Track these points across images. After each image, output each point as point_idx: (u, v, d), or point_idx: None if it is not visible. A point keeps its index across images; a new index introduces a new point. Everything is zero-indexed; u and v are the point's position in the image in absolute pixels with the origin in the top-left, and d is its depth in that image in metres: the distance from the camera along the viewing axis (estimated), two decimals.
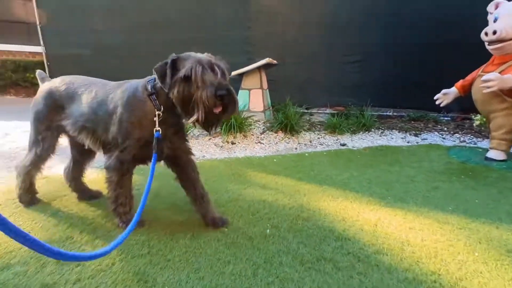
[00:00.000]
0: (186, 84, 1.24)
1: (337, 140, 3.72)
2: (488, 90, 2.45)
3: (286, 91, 4.80)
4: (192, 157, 1.63)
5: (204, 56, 1.32)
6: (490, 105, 2.83)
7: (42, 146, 1.70)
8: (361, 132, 4.04)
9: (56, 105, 1.68)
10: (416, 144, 3.67)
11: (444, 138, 3.90)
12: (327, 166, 2.75)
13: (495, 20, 2.74)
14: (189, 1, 5.15)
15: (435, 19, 4.58)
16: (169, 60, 1.29)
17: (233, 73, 4.08)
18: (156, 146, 1.38)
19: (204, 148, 3.26)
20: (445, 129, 4.28)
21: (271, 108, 4.52)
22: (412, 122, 4.56)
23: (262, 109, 4.25)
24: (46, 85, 1.75)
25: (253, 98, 4.27)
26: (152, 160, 1.39)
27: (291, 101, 4.29)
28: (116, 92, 1.51)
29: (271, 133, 3.70)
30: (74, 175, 1.94)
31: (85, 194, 1.97)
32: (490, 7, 2.86)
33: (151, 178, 1.35)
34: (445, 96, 3.21)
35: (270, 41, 4.96)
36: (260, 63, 4.03)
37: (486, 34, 2.67)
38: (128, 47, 5.37)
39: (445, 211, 1.89)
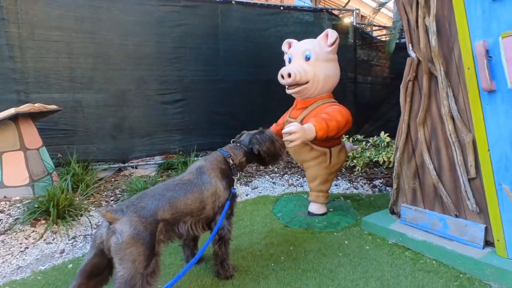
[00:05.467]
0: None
1: None
2: (292, 145, 2.02)
3: (88, 142, 3.52)
4: None
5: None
6: (300, 155, 2.48)
7: None
8: None
9: None
10: (245, 197, 3.09)
11: (274, 183, 3.52)
12: None
13: (290, 61, 2.44)
14: None
15: (257, 55, 4.45)
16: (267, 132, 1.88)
17: None
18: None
19: None
20: (276, 170, 4.00)
21: (52, 174, 3.03)
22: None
23: (27, 181, 2.73)
24: None
25: (6, 166, 2.70)
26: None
27: (99, 156, 3.06)
28: None
29: (26, 226, 2.25)
30: None
31: None
32: (284, 47, 2.58)
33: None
34: None
35: (53, 76, 3.52)
36: (7, 113, 2.56)
37: (282, 76, 2.30)
38: None
39: None
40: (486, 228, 1.70)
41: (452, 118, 1.79)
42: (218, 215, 1.60)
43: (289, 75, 2.24)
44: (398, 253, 1.93)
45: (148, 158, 4.26)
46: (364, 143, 4.11)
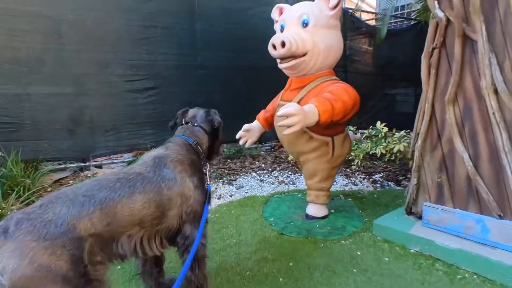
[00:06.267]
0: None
1: None
2: (290, 131, 1.55)
3: (37, 138, 2.93)
4: None
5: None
6: (296, 146, 2.03)
7: None
8: None
9: None
10: (230, 198, 2.60)
11: (262, 181, 3.06)
12: None
13: (282, 29, 1.97)
14: None
15: (241, 39, 3.95)
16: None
17: None
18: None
19: None
20: (263, 165, 3.54)
21: None
22: (228, 161, 3.61)
23: None
24: None
25: None
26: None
27: (52, 154, 2.56)
28: None
29: None
30: None
31: None
32: (274, 14, 2.10)
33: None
34: (249, 133, 2.26)
35: None
36: None
37: (274, 47, 1.82)
38: None
39: None
40: None
41: (496, 91, 1.39)
42: (188, 225, 1.12)
43: (283, 44, 1.76)
44: (427, 265, 1.52)
45: (116, 156, 3.67)
46: (359, 134, 3.73)
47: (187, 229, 1.12)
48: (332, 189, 2.85)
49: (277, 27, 2.05)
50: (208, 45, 3.87)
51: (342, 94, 1.75)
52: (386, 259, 1.61)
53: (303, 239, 1.85)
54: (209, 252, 1.58)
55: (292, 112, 1.53)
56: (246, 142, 2.26)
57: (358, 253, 1.68)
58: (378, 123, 3.42)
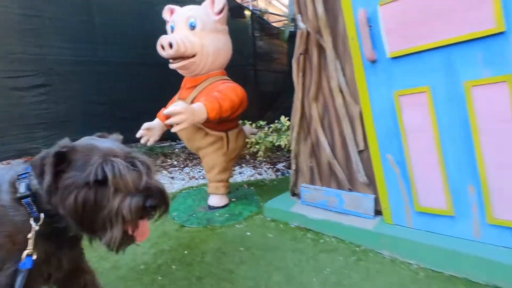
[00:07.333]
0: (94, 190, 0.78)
1: None
2: (178, 128, 1.66)
3: None
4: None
5: (117, 146, 0.86)
6: (194, 141, 2.15)
7: None
8: None
9: None
10: None
11: (172, 179, 3.10)
12: None
13: (172, 30, 2.05)
14: None
15: (150, 33, 3.82)
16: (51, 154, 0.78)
17: None
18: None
19: None
20: (175, 163, 3.57)
21: None
22: None
23: None
24: None
25: None
26: None
27: None
28: None
29: None
30: None
31: None
32: (165, 14, 2.16)
33: None
34: (150, 132, 2.28)
35: None
36: None
37: (162, 47, 1.89)
38: None
39: None
40: (375, 199, 1.73)
41: (341, 91, 1.75)
42: None
43: (170, 45, 1.85)
44: (300, 236, 1.83)
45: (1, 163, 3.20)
46: (266, 128, 4.07)
47: None
48: (238, 179, 3.11)
49: (167, 27, 2.12)
50: (111, 40, 3.66)
51: (230, 93, 1.94)
52: (271, 235, 1.87)
53: (202, 228, 1.99)
54: (104, 253, 1.59)
55: (178, 110, 1.63)
56: (148, 140, 2.28)
57: (248, 233, 1.90)
58: (282, 117, 3.80)
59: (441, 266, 1.41)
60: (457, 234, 1.46)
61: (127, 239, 0.83)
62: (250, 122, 4.05)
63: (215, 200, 2.27)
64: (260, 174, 3.29)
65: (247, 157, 3.79)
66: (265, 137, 3.64)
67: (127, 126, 3.51)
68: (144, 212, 0.80)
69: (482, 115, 1.31)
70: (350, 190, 1.83)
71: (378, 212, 1.74)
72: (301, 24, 1.86)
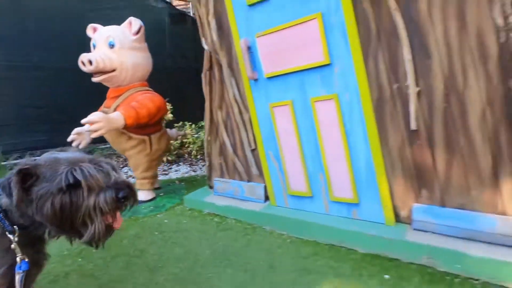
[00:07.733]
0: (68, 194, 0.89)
1: None
2: (95, 135, 1.96)
3: None
4: None
5: (79, 155, 1.00)
6: (119, 144, 2.45)
7: None
8: None
9: None
10: None
11: None
12: None
13: (94, 47, 2.32)
14: None
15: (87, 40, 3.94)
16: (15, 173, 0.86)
17: None
18: None
19: None
20: (115, 162, 3.78)
21: None
22: None
23: None
24: None
25: None
26: None
27: None
28: None
29: None
30: None
31: None
32: (88, 31, 2.42)
33: None
34: (81, 136, 2.51)
35: None
36: None
37: (83, 63, 2.17)
38: None
39: None
40: (265, 187, 2.19)
41: (236, 101, 2.17)
42: None
43: (90, 62, 2.13)
44: (208, 220, 2.24)
45: None
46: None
47: None
48: (173, 176, 3.44)
49: (91, 44, 2.38)
50: (46, 45, 3.75)
51: (147, 103, 2.27)
52: (185, 221, 2.25)
53: (126, 219, 2.31)
54: None
55: (94, 119, 1.93)
56: (79, 144, 2.52)
57: (166, 221, 2.26)
58: None
59: (302, 234, 1.90)
60: (315, 209, 1.96)
61: (109, 230, 0.97)
62: (190, 123, 4.39)
63: (142, 195, 2.59)
64: (194, 171, 3.65)
65: (186, 155, 4.13)
66: (198, 137, 4.02)
67: (65, 128, 3.71)
68: (118, 203, 0.93)
69: (322, 122, 1.81)
70: (248, 181, 2.27)
71: (268, 198, 2.21)
72: (205, 46, 2.24)
